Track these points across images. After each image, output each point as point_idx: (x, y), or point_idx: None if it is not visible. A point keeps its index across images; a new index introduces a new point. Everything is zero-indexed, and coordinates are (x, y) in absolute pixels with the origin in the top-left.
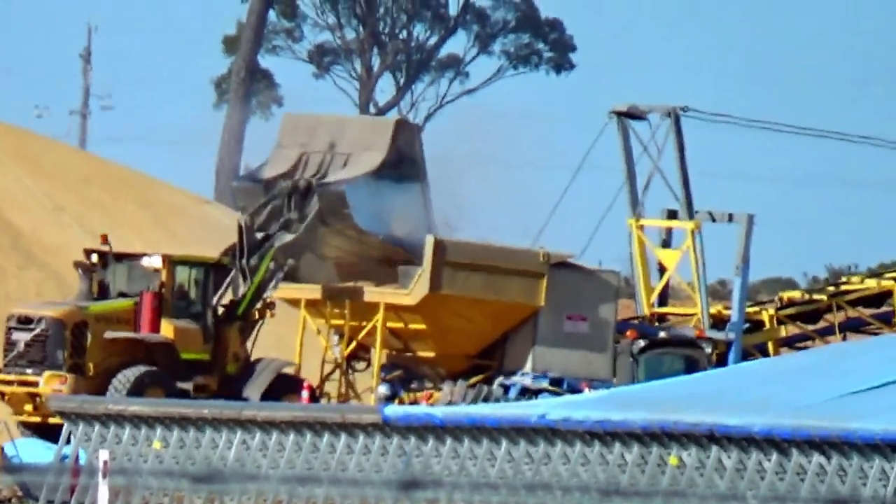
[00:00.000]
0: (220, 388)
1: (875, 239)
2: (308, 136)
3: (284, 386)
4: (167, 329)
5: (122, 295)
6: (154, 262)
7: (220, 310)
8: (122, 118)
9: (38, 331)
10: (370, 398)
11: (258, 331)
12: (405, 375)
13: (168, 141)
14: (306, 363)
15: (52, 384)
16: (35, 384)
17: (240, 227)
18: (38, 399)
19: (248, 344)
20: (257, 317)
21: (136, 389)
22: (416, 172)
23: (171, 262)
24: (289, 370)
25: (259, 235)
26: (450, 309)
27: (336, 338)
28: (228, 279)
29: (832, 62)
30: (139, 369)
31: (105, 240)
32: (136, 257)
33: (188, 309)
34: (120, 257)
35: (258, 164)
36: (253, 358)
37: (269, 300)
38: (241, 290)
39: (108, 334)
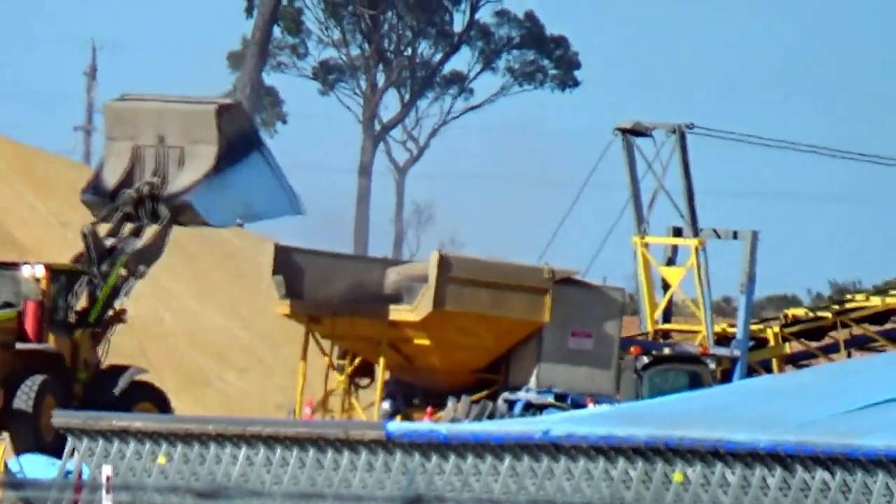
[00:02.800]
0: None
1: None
2: (134, 127)
3: (140, 393)
4: (50, 338)
5: (7, 305)
6: (37, 271)
7: (73, 317)
8: None
9: None
10: (374, 414)
11: (110, 338)
12: (409, 392)
13: None
14: (310, 379)
15: None
16: None
17: (84, 235)
18: None
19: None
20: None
21: (39, 400)
22: (252, 143)
23: (52, 272)
24: (144, 377)
25: (109, 242)
26: (454, 325)
27: (339, 354)
28: (77, 286)
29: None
30: (37, 378)
31: None
32: (12, 266)
33: (61, 317)
34: None
35: (97, 166)
36: (105, 365)
37: (119, 307)
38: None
39: (19, 345)
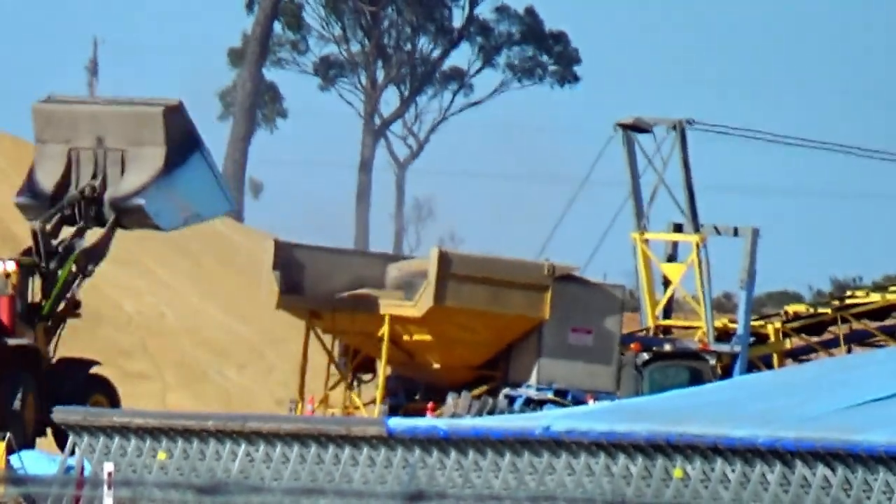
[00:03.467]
0: None
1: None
2: (69, 129)
3: (94, 386)
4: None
5: None
6: (8, 266)
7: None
8: None
9: None
10: (374, 410)
11: (60, 332)
12: (410, 387)
13: None
14: (311, 375)
15: None
16: None
17: (34, 232)
18: None
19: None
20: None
21: (25, 396)
22: (194, 143)
23: (23, 267)
24: (96, 370)
25: (56, 241)
26: (455, 321)
27: (340, 350)
28: (30, 281)
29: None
30: (25, 375)
31: None
32: None
33: (25, 312)
34: None
35: (30, 169)
36: (56, 359)
37: (75, 299)
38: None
39: (11, 341)
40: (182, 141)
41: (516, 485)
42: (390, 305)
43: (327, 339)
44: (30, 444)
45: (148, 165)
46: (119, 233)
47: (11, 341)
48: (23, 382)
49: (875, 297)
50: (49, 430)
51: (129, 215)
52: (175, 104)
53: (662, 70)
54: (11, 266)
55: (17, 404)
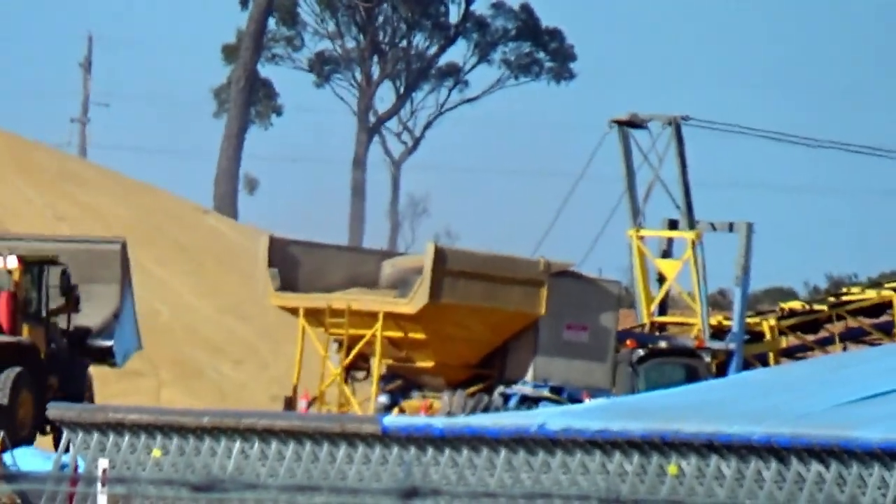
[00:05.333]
0: None
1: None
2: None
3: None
4: (24, 330)
5: None
6: (10, 262)
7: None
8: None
9: None
10: (370, 408)
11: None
12: (405, 385)
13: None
14: (305, 373)
15: None
16: None
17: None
18: None
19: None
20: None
21: (15, 393)
22: (129, 280)
23: (26, 263)
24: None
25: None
26: (450, 318)
27: (335, 347)
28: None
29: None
30: (12, 371)
31: None
32: None
33: (34, 309)
34: None
35: None
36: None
37: (76, 295)
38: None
39: (17, 338)
40: (126, 278)
41: (511, 482)
42: (385, 303)
43: (322, 335)
44: (28, 442)
45: (104, 303)
46: (113, 229)
47: (3, 338)
48: (14, 379)
49: (870, 294)
50: (49, 428)
51: (91, 353)
52: (124, 240)
53: (658, 66)
54: (13, 262)
55: (2, 399)
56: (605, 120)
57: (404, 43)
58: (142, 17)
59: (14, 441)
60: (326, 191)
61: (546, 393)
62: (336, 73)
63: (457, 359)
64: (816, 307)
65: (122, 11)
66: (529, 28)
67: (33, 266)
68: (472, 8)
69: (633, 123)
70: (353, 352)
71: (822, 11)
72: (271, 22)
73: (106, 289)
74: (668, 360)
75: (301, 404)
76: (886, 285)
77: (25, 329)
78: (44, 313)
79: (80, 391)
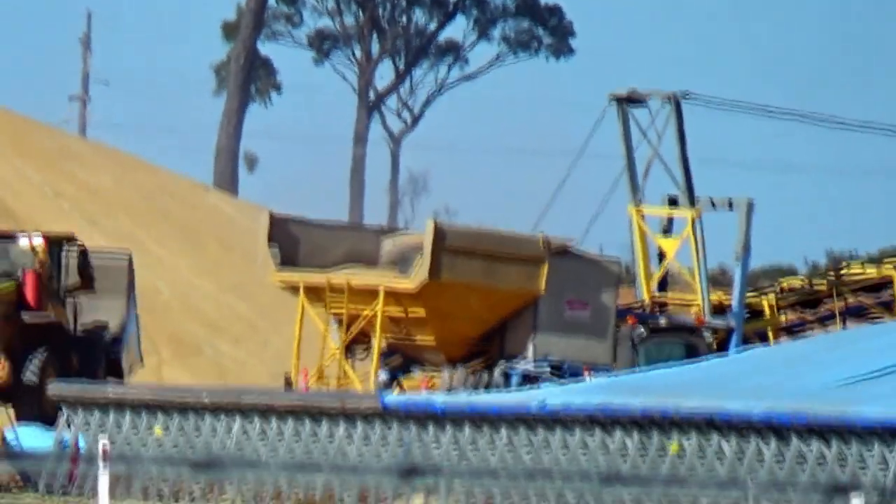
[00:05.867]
0: None
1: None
2: None
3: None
4: (48, 308)
5: (6, 275)
6: (35, 241)
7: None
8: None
9: None
10: (370, 385)
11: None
12: (405, 361)
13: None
14: (305, 350)
15: None
16: None
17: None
18: None
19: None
20: None
21: (44, 372)
22: (133, 293)
23: (50, 242)
24: None
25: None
26: (449, 295)
27: (335, 324)
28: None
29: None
30: (43, 350)
31: None
32: (7, 237)
33: (55, 287)
34: None
35: None
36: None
37: (90, 273)
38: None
39: (28, 317)
40: (132, 292)
41: (512, 460)
42: (385, 280)
43: (322, 312)
44: (51, 420)
45: (110, 317)
46: (113, 207)
47: (29, 317)
48: (40, 356)
49: (870, 271)
50: None
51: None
52: (131, 254)
53: (657, 43)
54: (38, 240)
55: (31, 377)
56: (604, 96)
57: (404, 20)
58: None
59: (42, 420)
60: (326, 168)
61: (547, 369)
62: (335, 50)
63: (457, 336)
64: (816, 284)
65: None
66: (528, 4)
67: (54, 245)
68: None
69: (633, 99)
70: (354, 329)
71: None
72: None
73: (112, 303)
74: (668, 337)
75: (301, 383)
76: (887, 262)
77: (49, 307)
78: (62, 292)
79: (97, 370)
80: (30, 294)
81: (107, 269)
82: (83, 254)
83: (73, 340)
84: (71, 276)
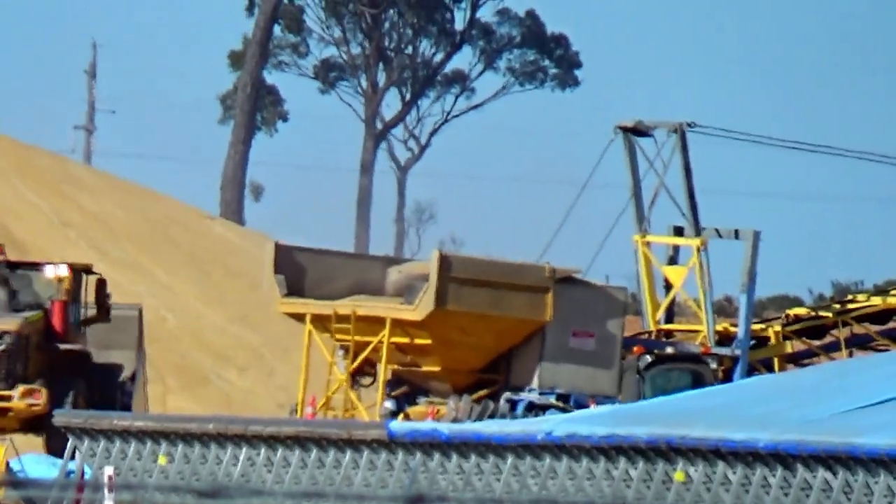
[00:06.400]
0: None
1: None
2: None
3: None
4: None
5: (31, 306)
6: (61, 271)
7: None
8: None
9: (3, 345)
10: (376, 414)
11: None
12: (411, 390)
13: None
14: (311, 379)
15: (26, 398)
16: (8, 398)
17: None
18: (9, 414)
19: None
20: None
21: (76, 401)
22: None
23: (75, 271)
24: None
25: None
26: (455, 324)
27: (341, 353)
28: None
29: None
30: (79, 381)
31: (1, 249)
32: (33, 266)
33: (76, 317)
34: (14, 266)
35: None
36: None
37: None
38: None
39: (63, 347)
40: (141, 344)
41: (518, 489)
42: (391, 309)
43: (328, 342)
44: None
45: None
46: (119, 236)
47: (65, 346)
48: (76, 387)
49: (876, 301)
50: None
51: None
52: (141, 307)
53: (663, 73)
54: (64, 270)
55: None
56: (611, 127)
57: (410, 50)
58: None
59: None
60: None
61: (553, 401)
62: (342, 79)
63: (463, 365)
64: (822, 313)
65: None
66: (534, 35)
67: (76, 275)
68: (478, 14)
69: (639, 131)
70: (360, 358)
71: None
72: (277, 29)
73: (122, 354)
74: (674, 366)
75: (307, 411)
76: (892, 292)
77: (75, 337)
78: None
79: (115, 403)
80: (57, 324)
81: (118, 321)
82: (101, 284)
83: (95, 371)
84: (89, 307)
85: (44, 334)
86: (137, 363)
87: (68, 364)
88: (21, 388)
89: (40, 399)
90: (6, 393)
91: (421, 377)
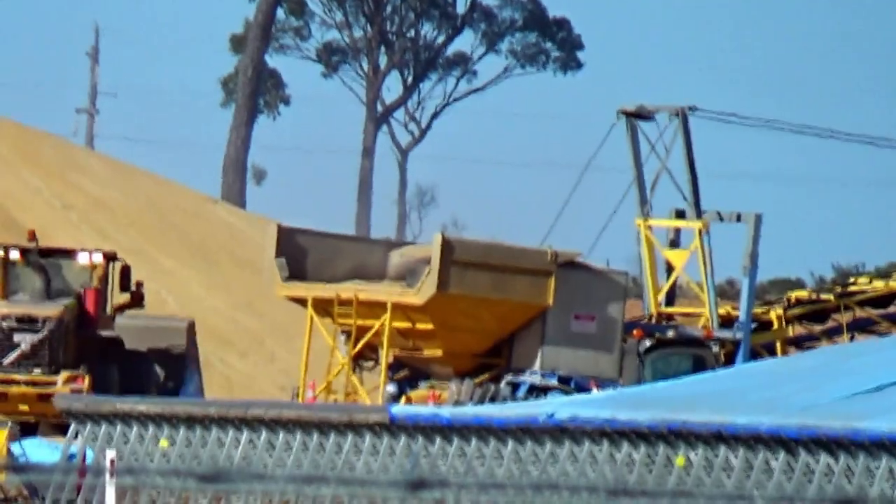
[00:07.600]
0: None
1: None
2: None
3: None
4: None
5: (63, 293)
6: (95, 258)
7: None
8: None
9: (45, 332)
10: (377, 397)
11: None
12: (412, 374)
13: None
14: (312, 363)
15: (70, 384)
16: (51, 384)
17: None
18: (51, 399)
19: None
20: None
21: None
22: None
23: (107, 258)
24: None
25: None
26: (457, 308)
27: (343, 337)
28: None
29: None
30: (110, 368)
31: (33, 236)
32: (66, 253)
33: (106, 304)
34: (48, 253)
35: None
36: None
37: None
38: None
39: (104, 332)
40: (195, 356)
41: (519, 473)
42: (393, 293)
43: (329, 325)
44: None
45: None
46: (121, 220)
47: (103, 333)
48: (109, 373)
49: (878, 285)
50: None
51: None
52: (192, 320)
53: (665, 57)
54: (98, 258)
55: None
56: (613, 110)
57: (412, 33)
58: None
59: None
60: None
61: (554, 383)
62: (344, 63)
63: (464, 348)
64: (824, 297)
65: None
66: (536, 18)
67: (106, 262)
68: None
69: (641, 115)
70: (362, 342)
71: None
72: (279, 12)
73: (173, 364)
74: (675, 350)
75: (308, 394)
76: (894, 275)
77: (110, 324)
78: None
79: (146, 385)
80: (92, 311)
81: (167, 332)
82: (125, 271)
83: (128, 358)
84: (116, 294)
85: (77, 321)
86: (189, 375)
87: (103, 351)
88: (64, 373)
89: (83, 385)
90: (50, 378)
91: (423, 361)
